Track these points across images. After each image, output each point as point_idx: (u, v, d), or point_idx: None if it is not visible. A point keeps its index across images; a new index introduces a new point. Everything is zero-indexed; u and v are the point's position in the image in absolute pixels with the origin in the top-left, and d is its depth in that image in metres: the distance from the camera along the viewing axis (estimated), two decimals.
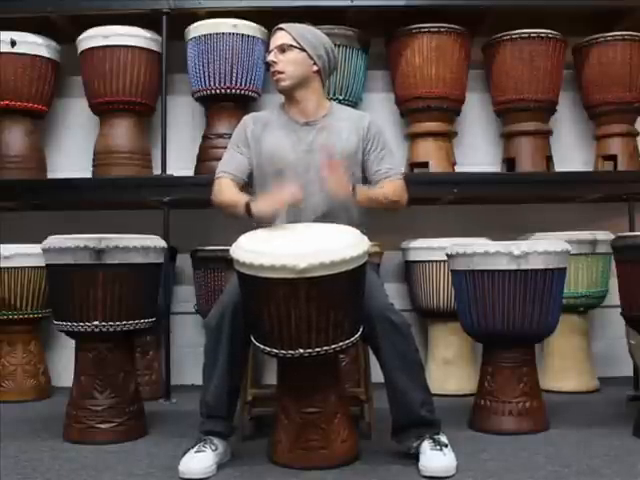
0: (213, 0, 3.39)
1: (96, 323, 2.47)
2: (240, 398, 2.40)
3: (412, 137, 3.59)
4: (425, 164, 3.49)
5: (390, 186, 2.41)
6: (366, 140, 2.44)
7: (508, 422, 2.57)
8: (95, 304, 2.46)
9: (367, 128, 2.44)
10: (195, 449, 2.17)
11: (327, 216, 2.35)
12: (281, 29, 2.41)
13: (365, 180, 2.47)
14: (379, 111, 3.66)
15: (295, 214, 2.34)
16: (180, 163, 3.57)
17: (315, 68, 2.41)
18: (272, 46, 2.41)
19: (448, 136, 3.58)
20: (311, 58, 2.39)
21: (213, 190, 2.44)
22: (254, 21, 3.38)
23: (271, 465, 2.21)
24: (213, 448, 2.18)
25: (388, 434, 2.29)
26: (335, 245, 2.03)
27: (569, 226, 3.35)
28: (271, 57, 2.39)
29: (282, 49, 2.38)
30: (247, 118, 2.53)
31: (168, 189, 3.28)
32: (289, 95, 2.44)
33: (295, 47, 2.38)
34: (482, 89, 3.72)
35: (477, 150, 3.79)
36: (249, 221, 2.37)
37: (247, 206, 2.27)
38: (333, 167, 2.23)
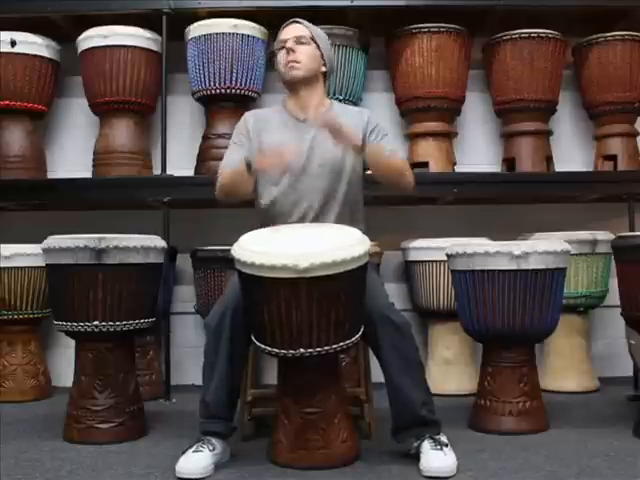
0: (213, 0, 3.39)
1: (96, 323, 2.47)
2: (240, 398, 2.40)
3: (412, 137, 3.58)
4: (425, 164, 3.49)
5: (396, 159, 2.43)
6: (366, 130, 2.43)
7: (508, 422, 2.57)
8: (95, 304, 2.46)
9: (367, 121, 2.45)
10: (193, 449, 2.17)
11: (326, 211, 2.36)
12: (298, 22, 2.44)
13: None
14: (379, 111, 3.64)
15: (294, 203, 2.35)
16: (180, 163, 3.56)
17: (324, 69, 2.45)
18: (288, 35, 2.41)
19: (448, 136, 3.58)
20: (323, 58, 2.43)
21: (217, 181, 2.41)
22: (254, 21, 3.38)
23: (271, 465, 2.21)
24: (211, 448, 2.18)
25: (388, 434, 2.28)
26: (336, 245, 2.03)
27: (569, 226, 3.35)
28: (290, 44, 2.38)
29: (300, 41, 2.39)
30: (248, 115, 2.53)
31: (168, 189, 3.27)
32: (295, 89, 2.43)
33: (313, 42, 2.41)
34: (482, 89, 3.72)
35: (477, 150, 3.79)
36: (250, 220, 2.37)
37: (248, 164, 2.31)
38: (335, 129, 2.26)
